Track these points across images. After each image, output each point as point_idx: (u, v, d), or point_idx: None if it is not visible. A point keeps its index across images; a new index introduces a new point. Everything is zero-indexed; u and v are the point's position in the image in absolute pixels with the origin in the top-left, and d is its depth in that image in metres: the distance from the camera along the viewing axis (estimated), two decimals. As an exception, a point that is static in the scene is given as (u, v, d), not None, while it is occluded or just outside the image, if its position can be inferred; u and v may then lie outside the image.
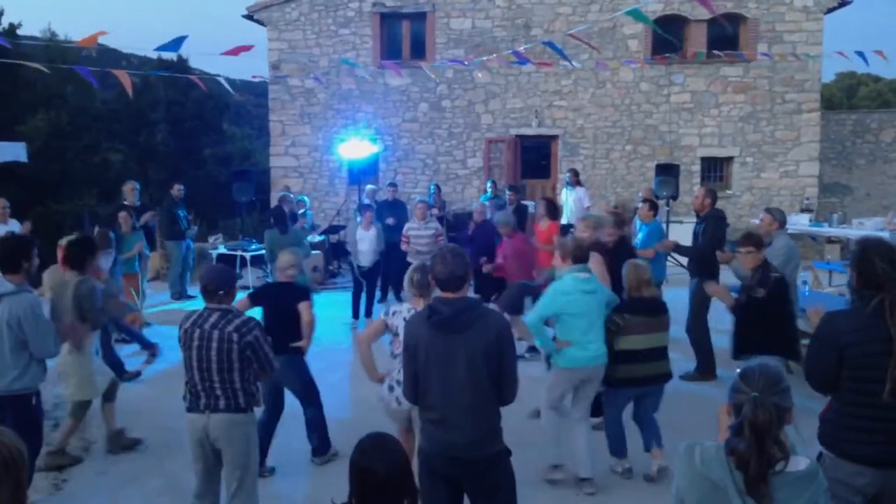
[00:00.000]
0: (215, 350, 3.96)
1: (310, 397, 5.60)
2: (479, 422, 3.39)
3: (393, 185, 12.58)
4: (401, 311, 4.59)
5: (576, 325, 4.99)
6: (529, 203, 15.31)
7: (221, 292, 4.04)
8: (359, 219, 10.30)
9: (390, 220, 10.87)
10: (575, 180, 13.28)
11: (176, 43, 7.07)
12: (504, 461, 3.52)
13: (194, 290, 11.52)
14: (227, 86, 11.35)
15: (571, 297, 5.00)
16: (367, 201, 12.77)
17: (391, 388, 4.59)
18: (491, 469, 3.46)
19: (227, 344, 3.95)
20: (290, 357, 5.30)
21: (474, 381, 3.35)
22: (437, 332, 3.37)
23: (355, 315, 10.24)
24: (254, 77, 10.47)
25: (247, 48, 8.28)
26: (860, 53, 10.10)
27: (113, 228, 8.75)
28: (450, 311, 3.35)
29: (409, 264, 11.86)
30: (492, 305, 3.81)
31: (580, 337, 4.99)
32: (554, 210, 9.05)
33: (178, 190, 11.55)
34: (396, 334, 4.53)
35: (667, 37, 7.39)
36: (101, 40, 7.50)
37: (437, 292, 3.47)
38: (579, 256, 5.19)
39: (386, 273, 11.56)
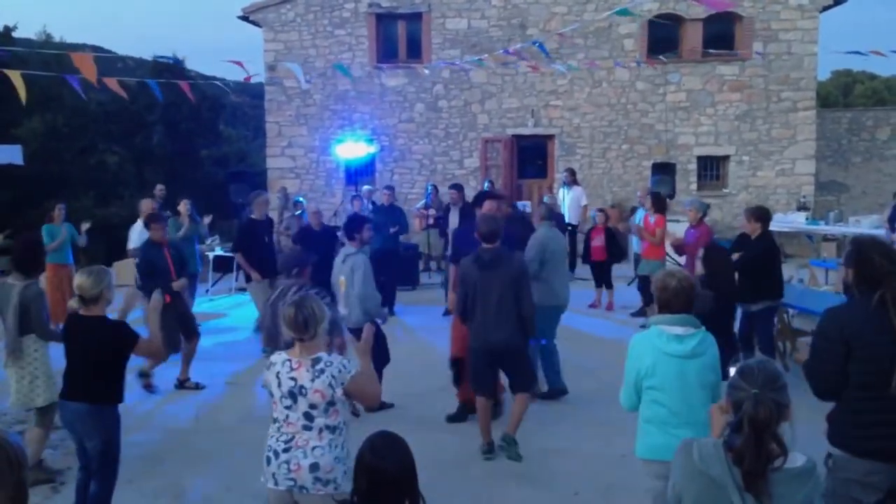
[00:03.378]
0: None
1: (106, 463, 4.35)
2: (507, 325, 5.37)
3: (390, 188, 12.33)
4: (276, 364, 3.49)
5: (660, 400, 3.52)
6: (526, 203, 15.35)
7: (295, 270, 5.25)
8: (350, 208, 11.78)
9: (394, 229, 11.10)
10: (571, 179, 13.29)
11: (173, 62, 7.22)
12: (525, 349, 5.71)
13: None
14: (224, 87, 11.15)
15: (649, 360, 3.53)
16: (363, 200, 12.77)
17: (268, 461, 3.46)
18: (517, 353, 5.54)
19: None
20: (97, 407, 4.25)
21: (504, 299, 5.35)
22: (481, 270, 5.40)
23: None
24: (245, 79, 10.39)
25: (240, 64, 8.42)
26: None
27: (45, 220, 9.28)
28: (489, 256, 5.42)
29: (408, 272, 11.88)
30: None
31: (667, 418, 3.50)
32: (661, 203, 9.55)
33: (160, 191, 11.69)
34: (272, 394, 3.49)
35: (663, 23, 7.31)
36: (96, 41, 7.55)
37: (482, 244, 5.48)
38: (668, 301, 3.59)
39: (380, 284, 11.54)
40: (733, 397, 2.33)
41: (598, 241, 10.76)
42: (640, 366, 3.55)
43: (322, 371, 3.37)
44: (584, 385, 7.15)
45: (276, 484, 3.42)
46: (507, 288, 5.35)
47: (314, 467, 3.35)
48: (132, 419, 6.33)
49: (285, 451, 3.40)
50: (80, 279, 4.26)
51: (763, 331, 7.05)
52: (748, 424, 2.24)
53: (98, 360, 4.21)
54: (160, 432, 6.18)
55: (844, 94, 32.69)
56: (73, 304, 4.39)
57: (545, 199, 11.26)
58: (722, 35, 15.94)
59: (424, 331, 9.69)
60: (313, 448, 3.38)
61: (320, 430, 3.39)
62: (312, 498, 3.38)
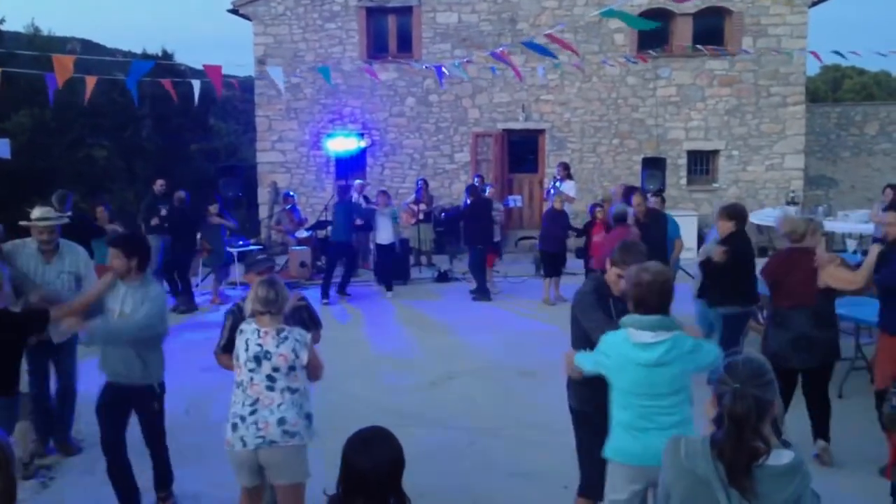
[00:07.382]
0: None
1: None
2: None
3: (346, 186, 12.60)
4: (246, 332, 3.88)
5: (627, 403, 3.35)
6: (518, 197, 15.36)
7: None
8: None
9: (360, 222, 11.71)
10: (565, 174, 13.28)
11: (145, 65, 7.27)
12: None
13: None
14: (197, 92, 10.60)
15: (615, 364, 3.36)
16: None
17: (235, 427, 3.80)
18: None
19: None
20: (8, 400, 4.33)
21: None
22: None
23: (325, 294, 11.10)
24: (225, 89, 10.09)
25: (218, 72, 8.37)
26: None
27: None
28: None
29: (400, 267, 11.96)
30: None
31: (632, 420, 3.33)
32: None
33: (160, 185, 11.69)
34: (237, 358, 3.86)
35: (651, 26, 7.26)
36: (85, 34, 7.51)
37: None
38: (643, 299, 3.28)
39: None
40: (718, 391, 2.34)
41: (600, 237, 9.84)
42: (605, 362, 3.41)
43: (286, 338, 3.79)
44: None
45: (244, 445, 3.73)
46: None
47: (281, 421, 3.72)
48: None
49: (252, 413, 3.74)
50: None
51: (729, 338, 6.24)
52: (727, 419, 2.25)
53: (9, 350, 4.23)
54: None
55: (833, 89, 32.81)
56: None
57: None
58: (711, 30, 15.97)
59: (417, 324, 9.71)
60: (278, 405, 3.75)
61: (282, 391, 3.76)
62: (279, 451, 3.70)
